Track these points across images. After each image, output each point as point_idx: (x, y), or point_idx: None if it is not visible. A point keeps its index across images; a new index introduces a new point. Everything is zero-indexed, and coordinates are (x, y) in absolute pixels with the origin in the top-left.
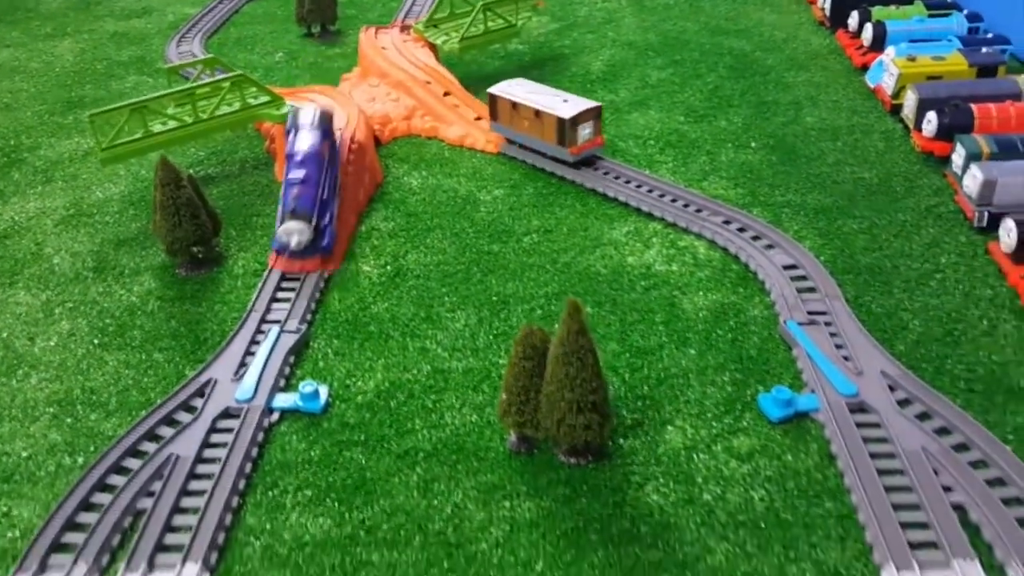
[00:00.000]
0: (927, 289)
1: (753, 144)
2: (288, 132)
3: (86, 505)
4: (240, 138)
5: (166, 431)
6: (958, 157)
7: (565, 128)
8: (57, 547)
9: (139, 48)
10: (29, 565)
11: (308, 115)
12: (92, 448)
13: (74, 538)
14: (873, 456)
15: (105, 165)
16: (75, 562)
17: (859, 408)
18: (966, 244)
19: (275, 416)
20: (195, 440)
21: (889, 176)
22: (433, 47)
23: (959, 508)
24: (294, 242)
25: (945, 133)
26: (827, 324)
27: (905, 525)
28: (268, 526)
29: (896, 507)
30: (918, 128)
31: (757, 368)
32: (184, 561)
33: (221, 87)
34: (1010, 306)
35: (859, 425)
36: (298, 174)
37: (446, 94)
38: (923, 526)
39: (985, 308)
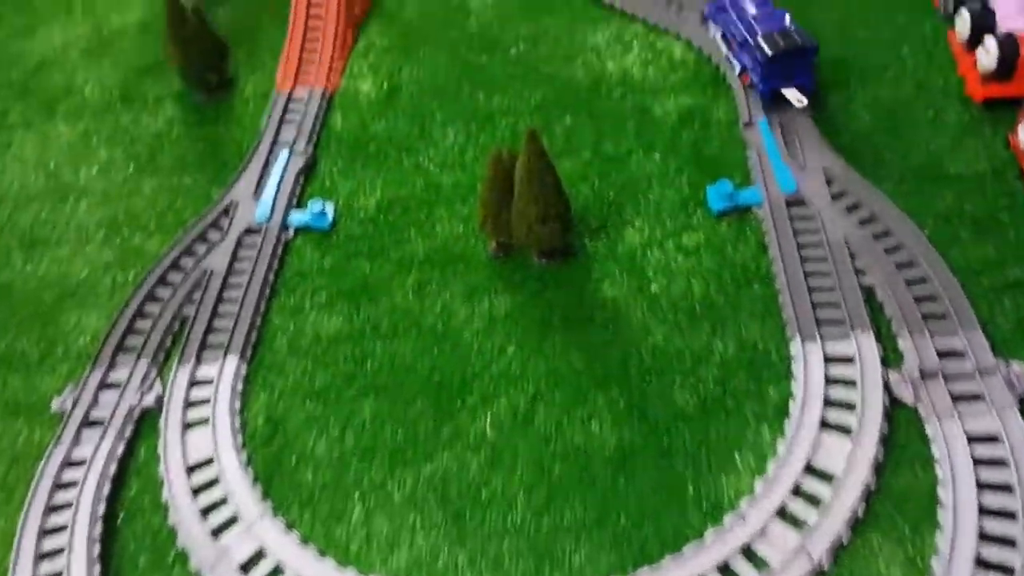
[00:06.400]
0: (882, 80)
1: None
2: None
3: (141, 313)
4: None
5: (200, 248)
6: None
7: None
8: (122, 348)
9: None
10: (102, 363)
11: None
12: (140, 265)
13: (134, 341)
14: (801, 246)
15: None
16: (137, 359)
17: (797, 202)
18: (929, 33)
19: (291, 232)
20: (225, 256)
21: None
22: None
23: (868, 289)
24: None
25: None
26: (781, 124)
27: (816, 304)
28: (291, 325)
29: (812, 289)
30: None
31: (713, 168)
32: (225, 355)
33: None
34: (957, 95)
35: (793, 218)
36: None
37: None
38: (832, 305)
39: (933, 98)
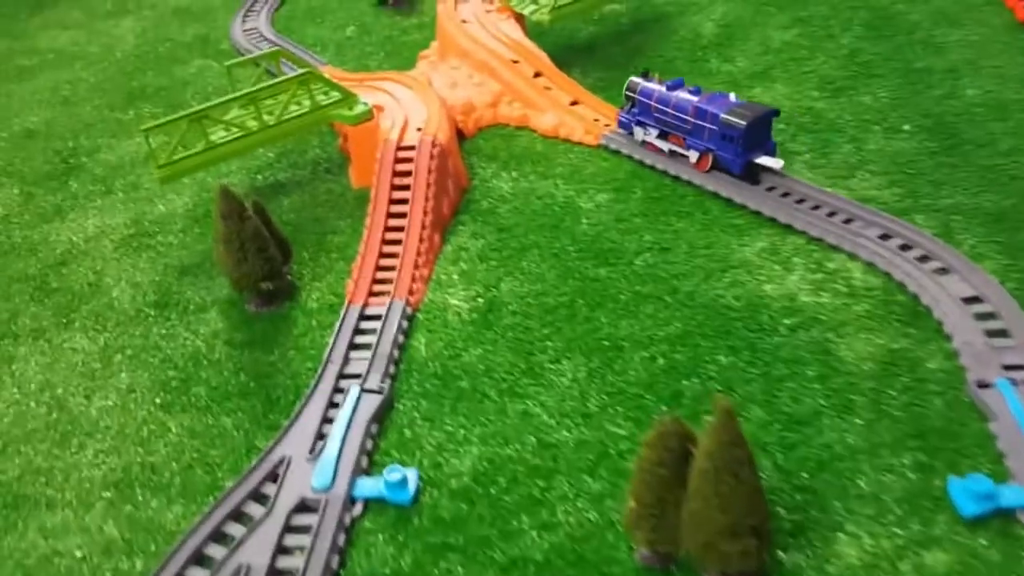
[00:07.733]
0: None
1: (906, 127)
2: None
3: None
4: (312, 134)
5: (234, 530)
6: None
7: None
8: None
9: (203, 25)
10: None
11: None
12: (152, 548)
13: None
14: None
15: (164, 183)
16: None
17: None
18: None
19: (358, 508)
20: (267, 545)
21: None
22: (520, 18)
23: None
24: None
25: None
26: None
27: None
28: None
29: None
30: None
31: (945, 446)
32: None
33: (288, 87)
34: None
35: None
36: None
37: (536, 75)
38: None
39: None
